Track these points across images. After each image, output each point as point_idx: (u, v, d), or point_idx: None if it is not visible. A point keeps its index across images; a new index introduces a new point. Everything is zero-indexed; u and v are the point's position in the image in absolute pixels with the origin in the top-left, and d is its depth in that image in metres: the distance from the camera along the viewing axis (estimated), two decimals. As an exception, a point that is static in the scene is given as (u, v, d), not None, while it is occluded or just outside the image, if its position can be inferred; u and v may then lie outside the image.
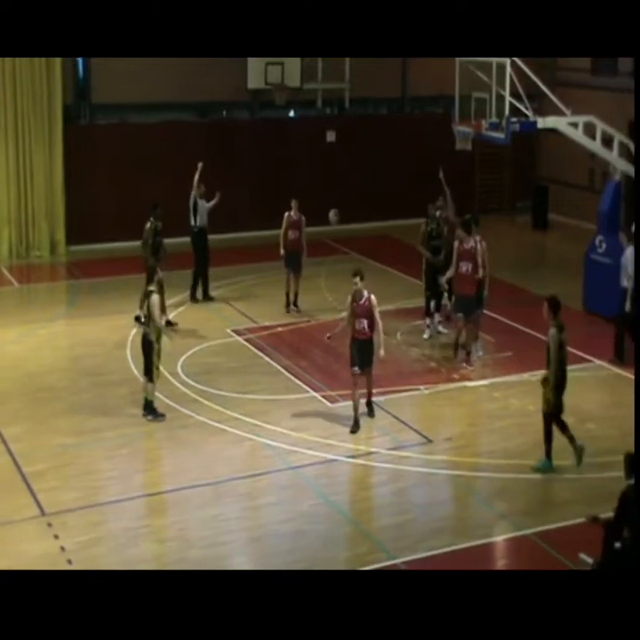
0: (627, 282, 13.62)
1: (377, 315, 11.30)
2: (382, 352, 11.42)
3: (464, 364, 13.20)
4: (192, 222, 15.97)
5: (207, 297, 16.23)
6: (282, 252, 15.61)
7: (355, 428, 11.33)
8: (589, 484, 10.22)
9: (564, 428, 10.60)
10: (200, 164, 15.88)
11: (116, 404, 12.20)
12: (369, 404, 11.78)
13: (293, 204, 15.57)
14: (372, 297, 11.28)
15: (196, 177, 15.87)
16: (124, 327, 14.76)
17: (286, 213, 15.63)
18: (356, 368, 11.38)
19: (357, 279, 11.22)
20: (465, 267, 13.18)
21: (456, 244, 13.40)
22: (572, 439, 10.58)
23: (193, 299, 16.14)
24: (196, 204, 15.89)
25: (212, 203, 16.05)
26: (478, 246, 13.27)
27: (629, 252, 13.78)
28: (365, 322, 11.28)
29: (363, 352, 11.38)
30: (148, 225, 15.03)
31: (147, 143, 19.88)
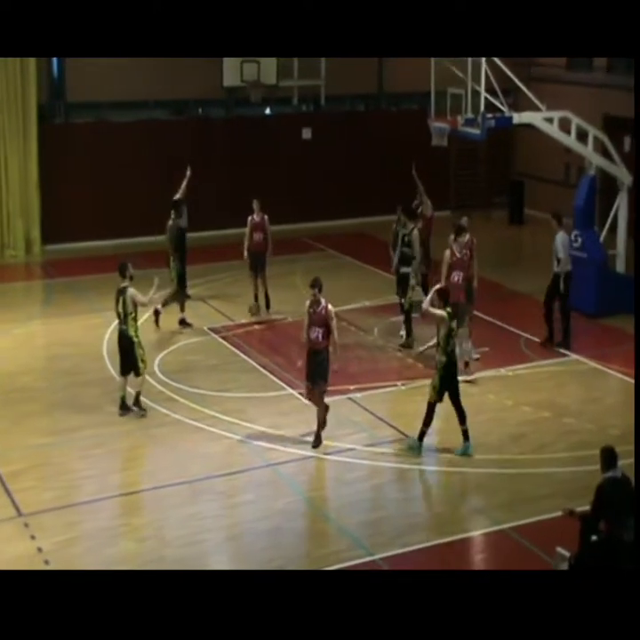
0: (556, 266, 13.99)
1: (333, 325, 10.80)
2: (336, 366, 10.96)
3: (465, 375, 12.73)
4: (171, 222, 15.77)
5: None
6: (245, 255, 15.34)
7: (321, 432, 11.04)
8: (566, 478, 10.26)
9: (428, 419, 10.83)
10: (188, 171, 15.60)
11: (92, 404, 12.13)
12: (317, 432, 11.00)
13: (255, 205, 15.28)
14: (330, 306, 10.84)
15: (184, 183, 15.55)
16: (99, 326, 14.68)
17: (249, 217, 15.43)
18: (308, 383, 10.98)
19: (316, 291, 10.81)
20: (457, 276, 12.94)
21: (447, 253, 13.09)
22: (423, 433, 10.82)
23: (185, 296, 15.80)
24: (179, 208, 15.58)
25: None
26: (468, 253, 13.15)
27: (559, 237, 14.04)
28: (319, 331, 10.75)
29: (315, 364, 10.86)
30: (171, 222, 14.91)
31: (122, 142, 19.76)
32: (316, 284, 10.91)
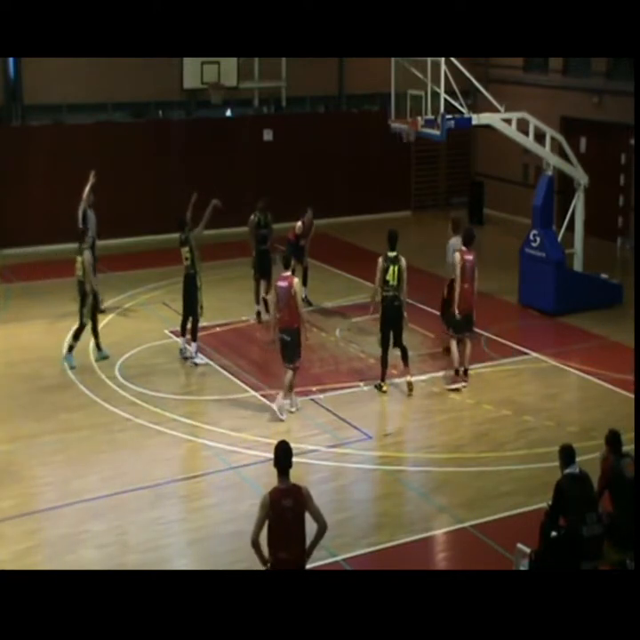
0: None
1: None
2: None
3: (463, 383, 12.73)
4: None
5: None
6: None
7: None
8: (526, 475, 10.36)
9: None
10: (92, 175, 15.17)
11: (52, 409, 12.00)
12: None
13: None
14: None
15: (87, 188, 15.14)
16: (59, 330, 14.53)
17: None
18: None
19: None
20: (467, 283, 12.57)
21: (457, 256, 12.48)
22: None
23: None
24: (85, 214, 15.17)
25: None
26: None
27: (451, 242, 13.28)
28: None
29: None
30: (252, 217, 15.18)
31: (80, 144, 19.56)
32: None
